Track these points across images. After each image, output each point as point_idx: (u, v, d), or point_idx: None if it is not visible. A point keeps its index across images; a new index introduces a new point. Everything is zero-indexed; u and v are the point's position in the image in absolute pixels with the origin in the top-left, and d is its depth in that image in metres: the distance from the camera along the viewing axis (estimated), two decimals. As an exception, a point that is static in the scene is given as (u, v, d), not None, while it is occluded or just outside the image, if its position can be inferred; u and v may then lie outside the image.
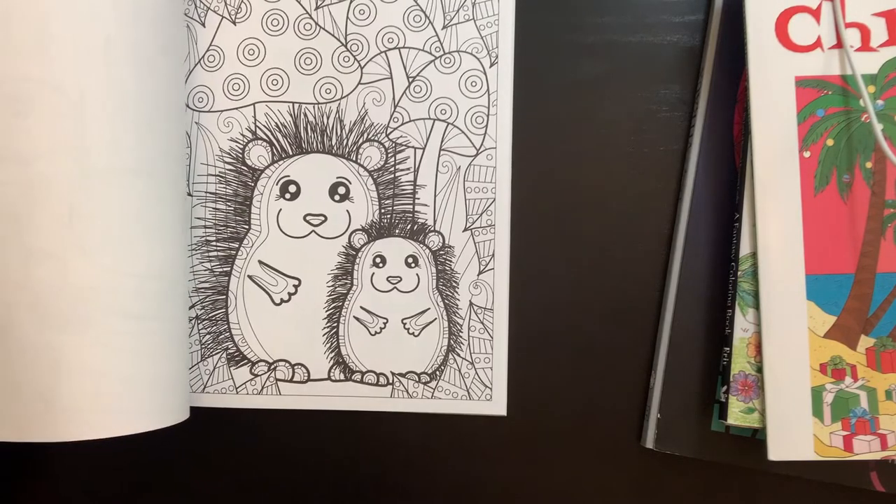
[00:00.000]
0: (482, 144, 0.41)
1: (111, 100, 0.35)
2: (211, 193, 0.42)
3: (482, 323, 0.41)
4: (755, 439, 0.40)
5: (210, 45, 0.42)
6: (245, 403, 0.42)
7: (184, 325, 0.39)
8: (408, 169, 0.41)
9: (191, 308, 0.42)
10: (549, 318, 0.42)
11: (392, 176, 0.41)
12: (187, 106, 0.42)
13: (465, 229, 0.41)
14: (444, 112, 0.41)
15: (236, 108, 0.42)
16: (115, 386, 0.35)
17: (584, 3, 0.42)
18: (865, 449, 0.37)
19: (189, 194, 0.42)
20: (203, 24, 0.42)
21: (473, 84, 0.41)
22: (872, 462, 0.39)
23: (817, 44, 0.38)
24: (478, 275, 0.41)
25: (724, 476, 0.41)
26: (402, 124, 0.41)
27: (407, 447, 0.42)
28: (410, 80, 0.41)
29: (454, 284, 0.41)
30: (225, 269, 0.42)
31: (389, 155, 0.41)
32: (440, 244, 0.41)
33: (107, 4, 0.35)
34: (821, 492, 0.40)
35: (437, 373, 0.41)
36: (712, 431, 0.40)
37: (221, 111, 0.42)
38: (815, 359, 0.37)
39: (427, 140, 0.41)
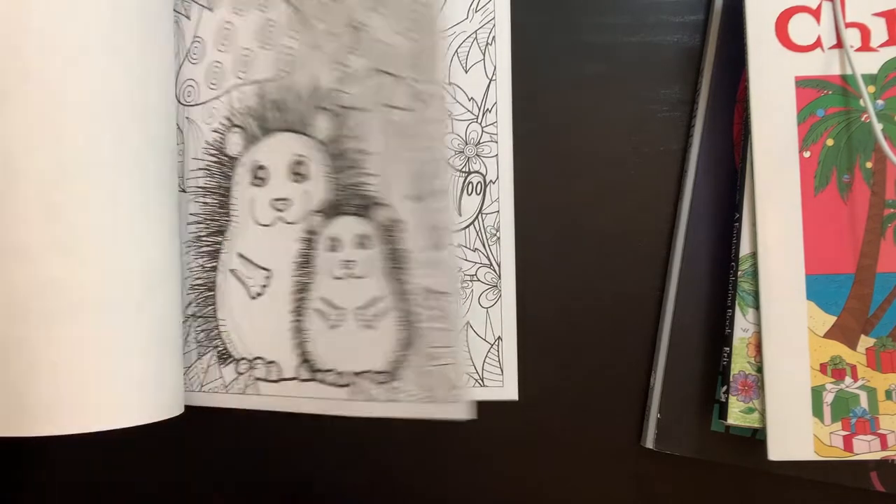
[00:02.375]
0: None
1: (90, 93, 0.35)
2: (200, 188, 0.41)
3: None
4: (755, 439, 0.40)
5: (194, 37, 0.41)
6: (231, 403, 0.40)
7: (174, 320, 0.39)
8: (355, 136, 0.38)
9: (188, 306, 0.41)
10: (550, 317, 0.42)
11: (343, 146, 0.38)
12: (179, 102, 0.41)
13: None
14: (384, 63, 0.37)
15: (216, 98, 0.40)
16: (92, 381, 0.35)
17: (584, 3, 0.42)
18: (865, 449, 0.37)
19: (183, 190, 0.41)
20: (188, 17, 0.41)
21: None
22: (872, 462, 0.39)
23: (817, 44, 0.38)
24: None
25: (724, 476, 0.41)
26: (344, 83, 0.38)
27: (416, 437, 0.42)
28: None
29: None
30: (213, 265, 0.40)
31: (341, 122, 0.37)
32: (390, 221, 0.38)
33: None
34: (821, 492, 0.40)
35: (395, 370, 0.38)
36: (712, 431, 0.40)
37: (204, 103, 0.41)
38: (815, 359, 0.37)
39: (370, 101, 0.37)
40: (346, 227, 0.37)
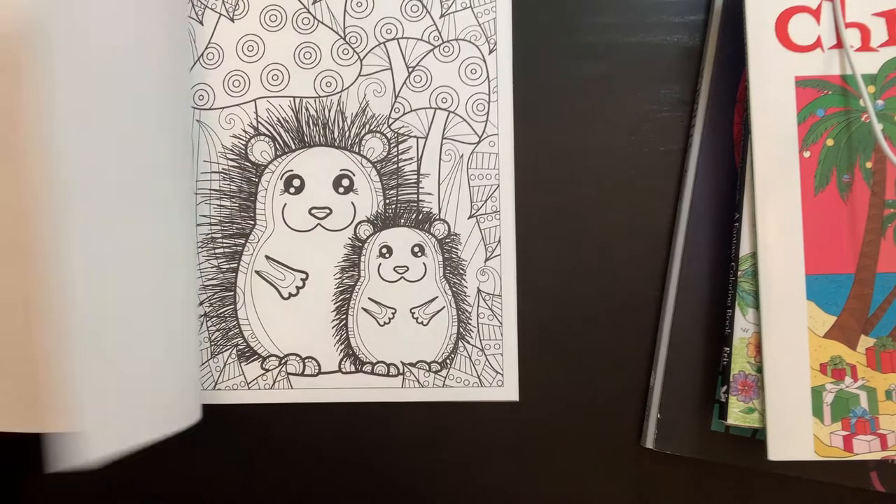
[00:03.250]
0: (484, 131, 0.42)
1: (120, 94, 0.35)
2: (215, 191, 0.42)
3: (491, 310, 0.41)
4: (755, 439, 0.40)
5: (209, 42, 0.42)
6: (257, 399, 0.42)
7: (192, 329, 0.39)
8: (411, 158, 0.42)
9: (199, 305, 0.42)
10: (550, 317, 0.42)
11: (395, 166, 0.42)
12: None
13: (471, 216, 0.42)
14: (444, 101, 0.42)
15: (237, 105, 0.42)
16: (118, 395, 0.35)
17: (584, 4, 0.42)
18: (865, 449, 0.37)
19: (193, 192, 0.42)
20: (201, 23, 0.42)
21: (473, 72, 0.42)
22: (872, 462, 0.39)
23: (817, 44, 0.38)
24: (484, 261, 0.41)
25: (724, 476, 0.41)
26: (404, 114, 0.42)
27: (418, 436, 0.42)
28: (410, 70, 0.42)
29: (461, 272, 0.42)
30: (232, 266, 0.42)
31: (392, 145, 0.42)
32: (446, 232, 0.41)
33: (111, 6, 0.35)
34: (821, 492, 0.40)
35: (448, 361, 0.42)
36: (712, 431, 0.40)
37: (223, 108, 0.42)
38: (815, 359, 0.37)
39: (429, 129, 0.42)
40: (400, 236, 0.41)
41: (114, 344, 0.35)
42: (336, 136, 0.42)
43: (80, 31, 0.35)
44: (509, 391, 0.41)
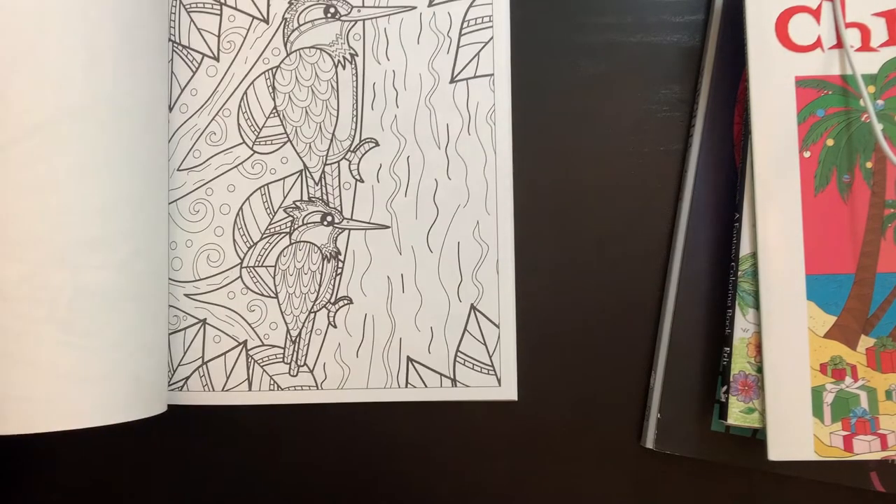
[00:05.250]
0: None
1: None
2: None
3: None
4: (755, 439, 0.40)
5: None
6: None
7: (161, 320, 0.39)
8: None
9: None
10: (549, 317, 0.42)
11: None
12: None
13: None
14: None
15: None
16: (74, 379, 0.35)
17: (584, 3, 0.42)
18: (865, 449, 0.37)
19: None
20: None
21: None
22: (872, 462, 0.39)
23: (817, 44, 0.38)
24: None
25: (724, 476, 0.41)
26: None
27: (416, 436, 0.42)
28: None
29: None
30: None
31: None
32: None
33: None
34: (821, 492, 0.40)
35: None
36: (712, 431, 0.40)
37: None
38: (815, 359, 0.37)
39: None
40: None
41: (69, 329, 0.35)
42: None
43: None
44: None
